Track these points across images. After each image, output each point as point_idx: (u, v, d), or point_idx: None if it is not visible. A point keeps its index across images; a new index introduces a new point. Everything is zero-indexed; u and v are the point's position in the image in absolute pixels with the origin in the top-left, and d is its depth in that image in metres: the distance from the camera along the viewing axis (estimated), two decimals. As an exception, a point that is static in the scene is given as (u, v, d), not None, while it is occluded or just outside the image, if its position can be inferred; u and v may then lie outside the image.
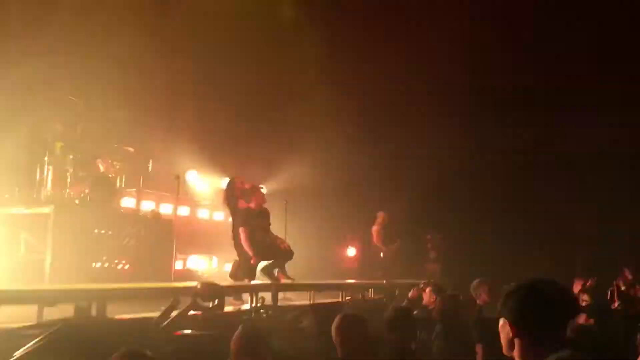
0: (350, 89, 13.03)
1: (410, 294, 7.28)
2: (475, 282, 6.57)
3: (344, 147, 13.08)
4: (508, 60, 13.00)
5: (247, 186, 8.56)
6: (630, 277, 8.02)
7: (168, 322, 5.04)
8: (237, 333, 3.73)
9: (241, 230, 8.02)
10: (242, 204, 8.34)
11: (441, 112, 13.29)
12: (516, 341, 2.37)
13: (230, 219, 8.85)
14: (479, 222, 13.36)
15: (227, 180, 9.36)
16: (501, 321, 2.50)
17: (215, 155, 12.07)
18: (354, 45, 12.90)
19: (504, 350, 2.50)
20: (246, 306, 7.18)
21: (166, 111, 11.49)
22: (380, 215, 12.26)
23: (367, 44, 12.92)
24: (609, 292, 5.99)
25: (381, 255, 12.17)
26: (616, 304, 5.75)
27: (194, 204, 12.34)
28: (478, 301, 6.28)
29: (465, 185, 13.57)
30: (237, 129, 12.92)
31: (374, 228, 12.23)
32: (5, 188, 9.05)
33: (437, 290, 6.41)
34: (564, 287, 2.49)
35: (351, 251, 14.10)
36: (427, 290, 6.52)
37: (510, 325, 2.39)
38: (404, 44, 12.74)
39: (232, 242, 8.45)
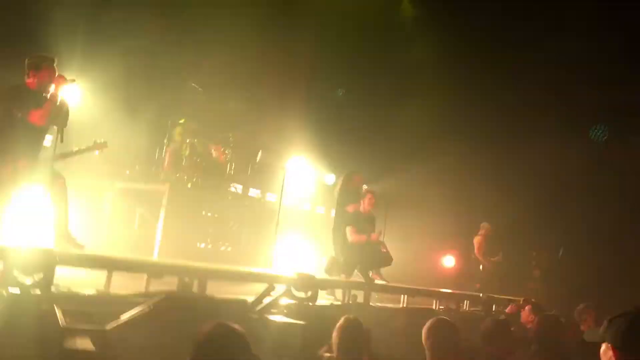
0: (467, 97, 12.68)
1: (508, 310, 7.02)
2: (581, 306, 6.24)
3: (453, 155, 12.79)
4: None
5: (363, 186, 8.57)
6: None
7: (262, 307, 5.21)
8: (340, 323, 3.80)
9: (350, 229, 8.06)
10: (352, 206, 8.33)
11: (558, 122, 12.61)
12: None
13: (332, 213, 8.94)
14: (590, 243, 12.53)
15: (332, 175, 9.45)
16: (604, 346, 2.46)
17: (322, 149, 12.17)
18: (475, 48, 12.53)
19: None
20: (338, 302, 7.25)
21: (278, 103, 11.74)
22: (485, 227, 11.83)
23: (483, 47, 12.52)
24: None
25: (480, 267, 11.76)
26: None
27: (298, 195, 12.57)
28: (582, 326, 5.94)
29: (579, 202, 12.75)
30: (348, 125, 12.95)
31: (477, 239, 11.82)
32: (127, 165, 9.74)
33: (537, 309, 6.13)
34: None
35: (449, 260, 13.76)
36: (527, 308, 6.25)
37: (614, 350, 2.37)
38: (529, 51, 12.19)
39: (332, 236, 8.52)
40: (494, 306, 9.12)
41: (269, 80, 11.56)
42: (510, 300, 8.23)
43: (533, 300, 7.39)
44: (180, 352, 2.68)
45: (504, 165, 13.15)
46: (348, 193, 8.57)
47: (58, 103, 5.09)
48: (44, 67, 5.18)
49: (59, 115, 5.14)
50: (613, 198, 12.51)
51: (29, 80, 5.18)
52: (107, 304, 4.36)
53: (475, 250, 11.80)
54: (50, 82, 5.13)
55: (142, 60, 9.76)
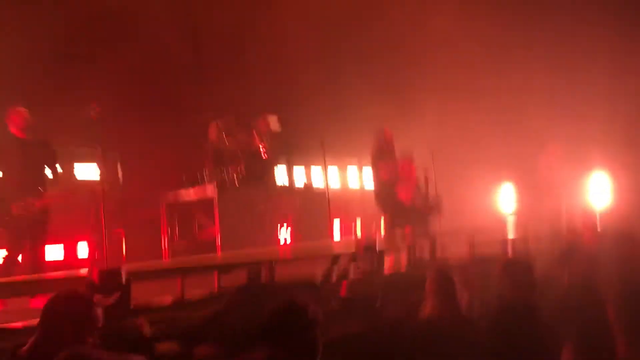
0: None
1: None
2: None
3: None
4: None
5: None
6: None
7: (330, 284, 5.28)
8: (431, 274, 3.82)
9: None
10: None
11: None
12: None
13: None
14: None
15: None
16: None
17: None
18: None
19: None
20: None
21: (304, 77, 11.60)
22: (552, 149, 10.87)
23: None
24: None
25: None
26: None
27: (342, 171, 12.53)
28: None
29: None
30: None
31: (544, 164, 10.80)
32: (173, 173, 9.90)
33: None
34: None
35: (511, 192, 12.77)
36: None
37: None
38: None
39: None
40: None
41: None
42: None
43: None
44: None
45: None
46: (382, 152, 8.47)
47: None
48: None
49: None
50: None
51: None
52: (184, 308, 4.51)
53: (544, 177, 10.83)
54: None
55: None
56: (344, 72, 11.99)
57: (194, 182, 9.47)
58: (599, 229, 5.86)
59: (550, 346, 3.61)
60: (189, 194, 9.36)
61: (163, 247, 9.22)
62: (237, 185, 9.30)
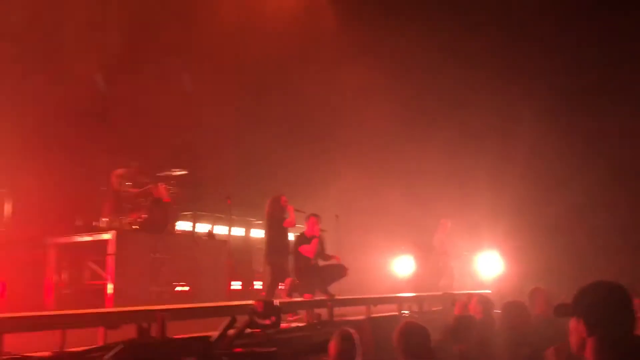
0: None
1: (455, 310, 6.99)
2: (531, 289, 6.37)
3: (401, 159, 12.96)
4: None
5: (288, 207, 8.55)
6: None
7: (226, 340, 5.10)
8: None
9: (301, 249, 8.10)
10: (287, 222, 8.39)
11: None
12: (590, 340, 2.35)
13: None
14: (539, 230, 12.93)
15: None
16: (573, 320, 2.47)
17: (263, 178, 12.17)
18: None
19: (575, 350, 2.46)
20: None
21: (213, 133, 11.67)
22: (445, 222, 11.87)
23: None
24: None
25: (441, 264, 11.86)
26: None
27: (247, 223, 12.53)
28: (534, 310, 6.01)
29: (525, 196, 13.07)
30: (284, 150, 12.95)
31: (438, 236, 11.85)
32: (69, 217, 9.42)
33: (483, 300, 6.22)
34: (624, 288, 2.46)
35: (407, 262, 13.73)
36: (473, 301, 6.32)
37: (585, 324, 2.37)
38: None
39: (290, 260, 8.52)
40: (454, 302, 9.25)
41: (201, 112, 11.51)
42: (470, 295, 8.37)
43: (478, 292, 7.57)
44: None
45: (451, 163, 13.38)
46: (279, 214, 8.63)
47: None
48: None
49: None
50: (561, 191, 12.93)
51: None
52: (63, 364, 4.16)
53: (437, 247, 11.82)
54: None
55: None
56: (259, 134, 12.25)
57: (90, 227, 9.02)
58: (487, 302, 6.11)
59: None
60: (83, 239, 8.86)
61: (47, 294, 8.59)
62: (137, 231, 8.96)
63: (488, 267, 12.51)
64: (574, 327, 2.43)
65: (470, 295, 7.00)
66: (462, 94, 13.11)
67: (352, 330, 4.72)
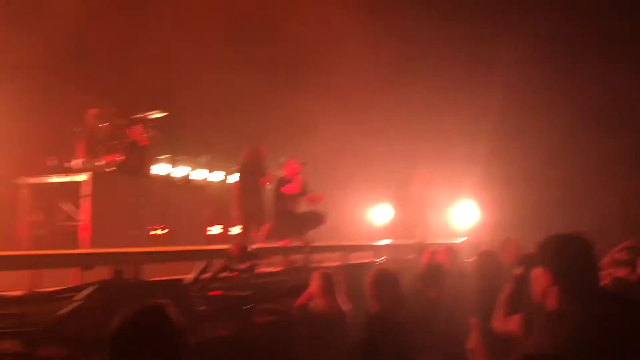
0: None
1: (424, 258, 7.09)
2: (503, 238, 6.49)
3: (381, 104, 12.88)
4: None
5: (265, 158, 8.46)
6: None
7: (201, 283, 5.12)
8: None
9: (284, 189, 8.03)
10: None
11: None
12: (554, 289, 2.38)
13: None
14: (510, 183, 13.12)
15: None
16: (538, 270, 2.51)
17: (244, 122, 12.01)
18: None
19: (538, 299, 2.51)
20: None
21: (198, 77, 11.42)
22: (421, 174, 11.87)
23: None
24: None
25: (417, 214, 11.94)
26: None
27: (226, 169, 12.43)
28: (505, 259, 6.13)
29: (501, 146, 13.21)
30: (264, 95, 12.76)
31: (414, 187, 11.90)
32: (42, 158, 9.24)
33: (450, 250, 6.33)
34: (589, 239, 2.51)
35: (385, 211, 13.84)
36: (442, 250, 6.42)
37: (549, 274, 2.42)
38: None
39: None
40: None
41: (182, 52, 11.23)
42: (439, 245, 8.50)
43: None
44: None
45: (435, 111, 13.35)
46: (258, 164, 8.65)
47: None
48: None
49: None
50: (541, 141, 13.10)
51: None
52: (38, 303, 4.15)
53: (413, 198, 11.89)
54: None
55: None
56: (240, 79, 12.01)
57: (64, 168, 8.86)
58: (454, 252, 6.23)
59: (408, 353, 3.73)
60: (56, 179, 8.73)
61: (21, 235, 8.50)
62: (112, 173, 8.84)
63: (464, 217, 12.68)
64: (538, 276, 2.47)
65: (439, 245, 7.12)
66: (440, 46, 12.96)
67: (331, 271, 5.07)
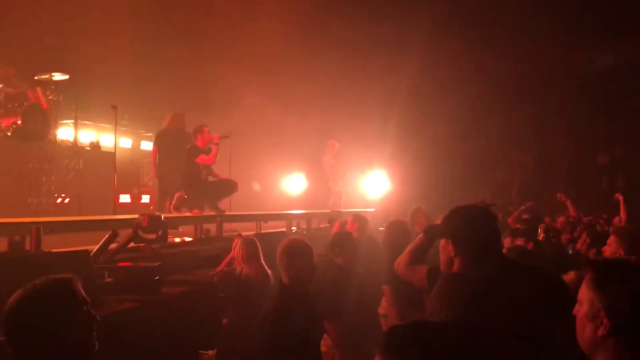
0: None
1: (334, 229, 7.19)
2: (413, 207, 6.66)
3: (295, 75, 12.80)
4: None
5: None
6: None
7: (108, 254, 4.94)
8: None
9: (199, 160, 7.80)
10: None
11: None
12: (457, 259, 2.47)
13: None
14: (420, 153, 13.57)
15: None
16: (442, 241, 2.60)
17: (150, 88, 11.61)
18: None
19: (443, 268, 2.61)
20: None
21: (101, 37, 10.86)
22: (332, 144, 11.97)
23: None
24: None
25: (330, 183, 12.08)
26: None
27: (136, 135, 12.02)
28: (416, 227, 6.32)
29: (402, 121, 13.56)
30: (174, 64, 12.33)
31: (325, 157, 12.01)
32: None
33: (358, 218, 6.44)
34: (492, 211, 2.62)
35: (298, 181, 13.87)
36: (349, 219, 6.54)
37: (452, 244, 2.50)
38: None
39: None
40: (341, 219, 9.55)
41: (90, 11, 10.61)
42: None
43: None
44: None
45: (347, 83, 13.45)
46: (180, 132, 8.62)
47: None
48: None
49: None
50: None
51: None
52: None
53: (326, 167, 12.00)
54: None
55: None
56: (150, 40, 11.56)
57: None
58: (363, 220, 6.35)
59: (318, 322, 3.80)
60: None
61: None
62: (10, 138, 8.30)
63: (375, 187, 12.97)
64: (443, 246, 2.58)
65: (349, 214, 7.23)
66: (352, 16, 13.04)
67: (254, 237, 5.10)
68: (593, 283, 1.77)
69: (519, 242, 5.61)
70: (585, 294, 1.78)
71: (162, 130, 9.06)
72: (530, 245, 5.54)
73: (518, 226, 5.97)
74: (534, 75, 14.14)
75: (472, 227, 2.50)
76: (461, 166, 13.63)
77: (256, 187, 8.42)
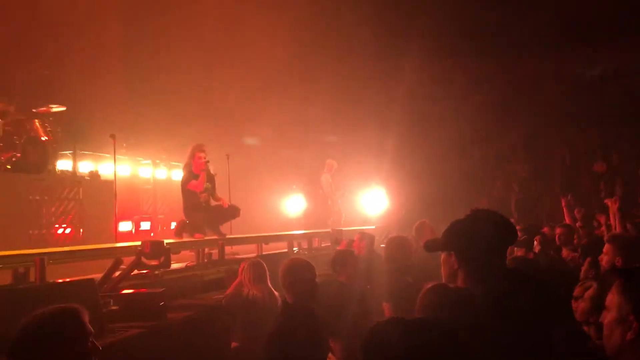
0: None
1: (340, 246, 7.21)
2: (417, 223, 6.68)
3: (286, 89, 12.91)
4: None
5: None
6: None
7: (112, 282, 4.97)
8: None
9: (190, 186, 7.84)
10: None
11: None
12: (460, 272, 2.45)
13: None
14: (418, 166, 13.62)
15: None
16: (444, 254, 2.58)
17: (148, 116, 11.71)
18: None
19: (446, 280, 2.59)
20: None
21: (97, 67, 10.98)
22: (330, 163, 12.08)
23: None
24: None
25: (329, 203, 12.15)
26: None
27: (135, 162, 12.08)
28: (420, 242, 6.33)
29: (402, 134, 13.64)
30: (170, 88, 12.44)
31: (324, 176, 12.10)
32: None
33: (364, 235, 6.49)
34: (502, 216, 2.57)
35: (298, 201, 13.93)
36: (356, 237, 6.57)
37: (455, 257, 2.47)
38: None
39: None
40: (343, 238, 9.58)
41: (83, 43, 10.74)
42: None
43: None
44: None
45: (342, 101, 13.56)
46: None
47: None
48: None
49: None
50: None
51: None
52: None
53: (325, 186, 12.09)
54: None
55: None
56: (145, 68, 11.69)
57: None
58: (369, 238, 6.40)
59: (323, 341, 3.82)
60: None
61: None
62: (10, 172, 8.35)
63: (373, 203, 13.02)
64: (445, 259, 2.55)
65: (353, 232, 7.29)
66: (349, 35, 13.17)
67: (260, 259, 5.24)
68: (622, 289, 1.86)
69: (520, 252, 5.67)
70: (613, 300, 1.87)
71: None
72: (531, 256, 5.60)
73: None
74: (527, 87, 14.29)
75: (472, 238, 2.45)
76: (458, 181, 13.69)
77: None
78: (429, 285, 2.53)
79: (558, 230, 6.55)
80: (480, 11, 13.26)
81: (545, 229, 7.07)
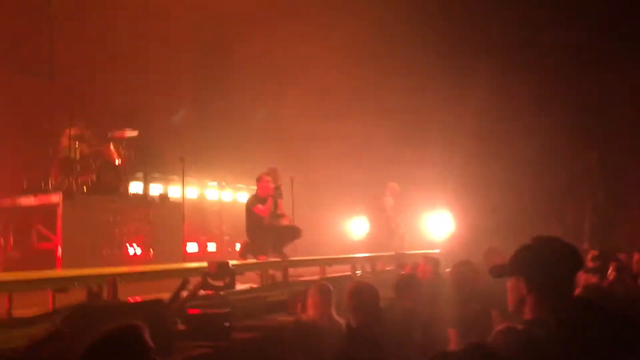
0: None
1: (405, 270, 7.11)
2: (486, 249, 6.51)
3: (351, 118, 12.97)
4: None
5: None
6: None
7: (179, 302, 5.09)
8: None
9: (255, 209, 8.00)
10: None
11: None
12: (529, 299, 2.36)
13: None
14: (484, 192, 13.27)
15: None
16: (511, 280, 2.49)
17: (215, 139, 12.05)
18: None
19: (513, 309, 2.50)
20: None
21: (168, 95, 11.44)
22: (392, 187, 12.03)
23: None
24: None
25: (393, 225, 12.04)
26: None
27: (201, 185, 12.41)
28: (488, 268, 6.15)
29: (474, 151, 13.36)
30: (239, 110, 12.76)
31: (387, 199, 12.04)
32: (14, 180, 9.12)
33: (431, 260, 6.37)
34: (566, 242, 2.48)
35: (361, 224, 13.86)
36: (421, 262, 6.46)
37: (524, 282, 2.37)
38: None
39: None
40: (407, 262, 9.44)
41: (153, 68, 11.21)
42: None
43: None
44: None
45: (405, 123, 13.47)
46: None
47: None
48: None
49: None
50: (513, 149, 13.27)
51: None
52: (9, 328, 4.09)
53: (387, 210, 12.02)
54: None
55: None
56: (214, 93, 12.06)
57: (37, 189, 8.76)
58: (435, 262, 6.27)
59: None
60: (29, 201, 8.61)
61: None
62: (86, 193, 8.76)
63: (438, 227, 12.80)
64: (513, 285, 2.44)
65: (417, 256, 7.17)
66: (413, 55, 13.10)
67: (328, 284, 5.01)
68: None
69: (593, 280, 5.40)
70: None
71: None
72: (605, 284, 5.33)
73: (591, 264, 5.75)
74: (601, 105, 13.71)
75: (544, 263, 2.35)
76: (529, 203, 13.24)
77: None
78: (499, 327, 2.45)
79: (636, 257, 6.21)
80: (555, 28, 12.92)
81: (622, 255, 6.73)
